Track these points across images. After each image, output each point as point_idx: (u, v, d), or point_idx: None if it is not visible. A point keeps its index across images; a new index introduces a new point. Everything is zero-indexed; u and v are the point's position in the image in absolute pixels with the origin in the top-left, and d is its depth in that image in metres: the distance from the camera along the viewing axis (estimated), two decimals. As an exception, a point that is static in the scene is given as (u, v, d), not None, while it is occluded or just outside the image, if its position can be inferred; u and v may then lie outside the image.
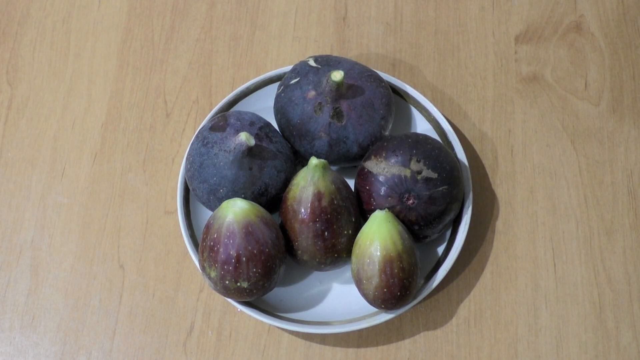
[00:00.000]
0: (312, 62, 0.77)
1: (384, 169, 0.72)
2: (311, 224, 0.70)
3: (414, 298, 0.73)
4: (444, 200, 0.72)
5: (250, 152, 0.71)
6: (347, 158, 0.77)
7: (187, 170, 0.75)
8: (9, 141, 0.86)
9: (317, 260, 0.72)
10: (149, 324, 0.78)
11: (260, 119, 0.76)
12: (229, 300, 0.74)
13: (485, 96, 0.86)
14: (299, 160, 0.80)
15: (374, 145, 0.75)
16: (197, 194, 0.74)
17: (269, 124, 0.76)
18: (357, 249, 0.71)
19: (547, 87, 0.86)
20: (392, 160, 0.72)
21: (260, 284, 0.69)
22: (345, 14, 0.91)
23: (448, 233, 0.77)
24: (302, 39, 0.90)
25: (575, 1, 0.90)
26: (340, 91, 0.74)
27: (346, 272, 0.78)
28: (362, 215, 0.74)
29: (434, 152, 0.72)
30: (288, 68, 0.82)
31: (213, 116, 0.80)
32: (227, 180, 0.72)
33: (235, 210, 0.68)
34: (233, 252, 0.68)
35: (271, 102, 0.81)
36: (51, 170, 0.85)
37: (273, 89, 0.82)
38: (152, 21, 0.91)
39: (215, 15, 0.91)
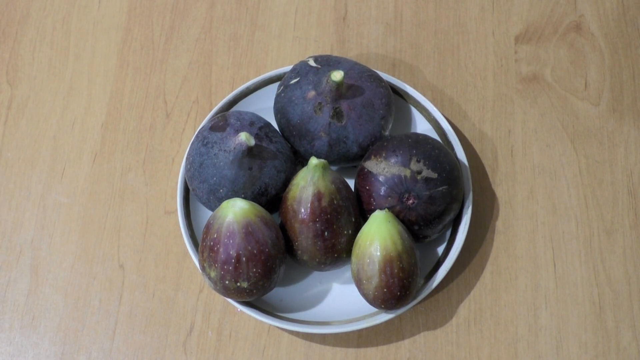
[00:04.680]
0: (312, 62, 0.77)
1: (384, 169, 0.72)
2: (311, 224, 0.70)
3: (414, 298, 0.73)
4: (444, 200, 0.72)
5: (250, 152, 0.71)
6: (347, 158, 0.77)
7: (187, 170, 0.75)
8: (9, 141, 0.86)
9: (317, 260, 0.72)
10: (149, 324, 0.78)
11: (260, 119, 0.76)
12: (229, 300, 0.74)
13: (485, 96, 0.86)
14: (299, 160, 0.80)
15: (374, 145, 0.75)
16: (197, 194, 0.74)
17: (269, 124, 0.76)
18: (357, 249, 0.71)
19: (547, 87, 0.86)
20: (392, 160, 0.72)
21: (260, 284, 0.69)
22: (345, 14, 0.91)
23: (448, 233, 0.77)
24: (302, 39, 0.90)
25: (575, 1, 0.90)
26: (340, 91, 0.74)
27: (346, 272, 0.78)
28: (362, 215, 0.74)
29: (434, 152, 0.72)
30: (288, 68, 0.82)
31: (213, 116, 0.80)
32: (227, 180, 0.72)
33: (235, 210, 0.68)
34: (233, 252, 0.68)
35: (271, 102, 0.81)
36: (51, 170, 0.85)
37: (273, 89, 0.82)
38: (152, 21, 0.91)
39: (215, 15, 0.91)
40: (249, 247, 0.68)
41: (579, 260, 0.79)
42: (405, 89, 0.82)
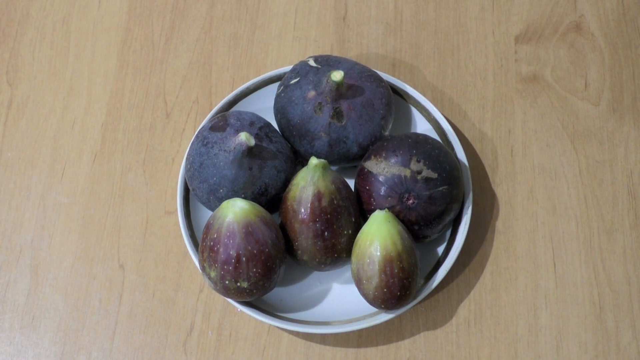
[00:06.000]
0: (312, 62, 0.77)
1: (384, 169, 0.72)
2: (311, 224, 0.70)
3: (414, 298, 0.73)
4: (444, 200, 0.72)
5: (250, 152, 0.71)
6: (347, 158, 0.77)
7: (187, 170, 0.75)
8: (9, 141, 0.86)
9: (317, 260, 0.72)
10: (149, 324, 0.78)
11: (260, 119, 0.76)
12: (229, 300, 0.74)
13: (485, 96, 0.86)
14: (299, 160, 0.80)
15: (374, 145, 0.75)
16: (197, 194, 0.74)
17: (269, 124, 0.76)
18: (357, 249, 0.71)
19: (547, 87, 0.86)
20: (392, 160, 0.72)
21: (260, 284, 0.69)
22: (345, 14, 0.91)
23: (448, 233, 0.77)
24: (302, 39, 0.90)
25: (575, 1, 0.90)
26: (340, 91, 0.74)
27: (346, 272, 0.78)
28: (362, 215, 0.74)
29: (434, 152, 0.72)
30: (288, 68, 0.82)
31: (213, 116, 0.80)
32: (227, 180, 0.72)
33: (235, 210, 0.68)
34: (233, 252, 0.68)
35: (271, 102, 0.81)
36: (51, 170, 0.85)
37: (273, 89, 0.83)
38: (152, 21, 0.91)
39: (215, 15, 0.91)
40: (249, 247, 0.68)
41: (579, 260, 0.79)
42: (405, 89, 0.82)
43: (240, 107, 0.82)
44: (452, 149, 0.79)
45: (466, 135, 0.84)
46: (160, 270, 0.80)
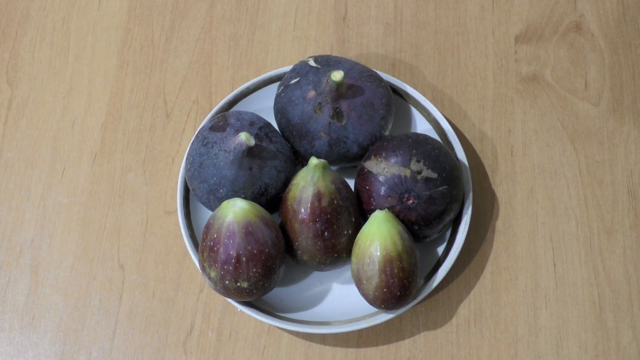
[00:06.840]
0: (312, 62, 0.77)
1: (384, 169, 0.72)
2: (311, 224, 0.70)
3: (414, 298, 0.73)
4: (444, 200, 0.72)
5: (250, 152, 0.71)
6: (347, 158, 0.77)
7: (187, 170, 0.75)
8: (9, 141, 0.86)
9: (317, 260, 0.72)
10: (149, 324, 0.78)
11: (260, 119, 0.76)
12: (229, 300, 0.74)
13: (485, 96, 0.86)
14: (299, 160, 0.80)
15: (374, 145, 0.75)
16: (197, 194, 0.74)
17: (269, 124, 0.76)
18: (357, 249, 0.71)
19: (547, 87, 0.86)
20: (392, 160, 0.72)
21: (260, 284, 0.69)
22: (345, 14, 0.91)
23: (448, 233, 0.77)
24: (302, 39, 0.90)
25: (575, 1, 0.90)
26: (340, 91, 0.74)
27: (346, 272, 0.78)
28: (362, 215, 0.74)
29: (434, 152, 0.72)
30: (288, 68, 0.82)
31: (213, 116, 0.80)
32: (227, 180, 0.72)
33: (235, 210, 0.68)
34: (233, 252, 0.68)
35: (271, 102, 0.82)
36: (51, 170, 0.85)
37: (273, 89, 0.83)
38: (152, 21, 0.91)
39: (215, 15, 0.91)
40: (249, 247, 0.68)
41: (579, 260, 0.79)
42: (405, 89, 0.82)
43: (240, 107, 0.82)
44: (452, 149, 0.79)
45: (466, 135, 0.84)
46: (160, 270, 0.80)
